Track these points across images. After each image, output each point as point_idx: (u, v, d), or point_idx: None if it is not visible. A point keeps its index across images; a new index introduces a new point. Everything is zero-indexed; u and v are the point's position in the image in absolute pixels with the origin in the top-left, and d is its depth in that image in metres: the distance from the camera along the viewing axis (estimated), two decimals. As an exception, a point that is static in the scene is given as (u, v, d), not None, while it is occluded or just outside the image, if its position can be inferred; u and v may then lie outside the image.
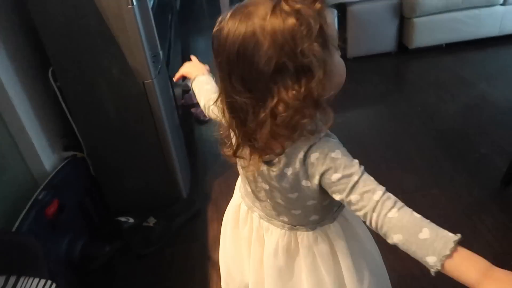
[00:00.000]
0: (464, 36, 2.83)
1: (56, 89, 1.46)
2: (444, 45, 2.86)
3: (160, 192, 1.70)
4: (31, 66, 1.45)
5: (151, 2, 1.75)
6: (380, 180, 1.99)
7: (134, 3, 1.31)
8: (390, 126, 2.19)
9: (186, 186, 1.77)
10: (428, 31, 2.76)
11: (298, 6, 0.56)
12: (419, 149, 1.94)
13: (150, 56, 1.45)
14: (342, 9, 2.71)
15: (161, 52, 1.62)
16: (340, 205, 0.80)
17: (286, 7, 0.56)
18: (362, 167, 0.65)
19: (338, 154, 0.65)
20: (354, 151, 2.19)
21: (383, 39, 2.82)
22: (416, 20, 2.72)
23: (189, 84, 2.91)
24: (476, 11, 2.74)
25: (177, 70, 2.64)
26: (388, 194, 0.62)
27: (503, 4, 2.75)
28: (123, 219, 1.61)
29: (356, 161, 0.65)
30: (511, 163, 1.61)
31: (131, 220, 1.61)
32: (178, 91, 2.29)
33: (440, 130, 2.07)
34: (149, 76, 1.45)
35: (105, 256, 1.49)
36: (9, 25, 1.36)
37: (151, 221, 1.61)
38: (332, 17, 0.61)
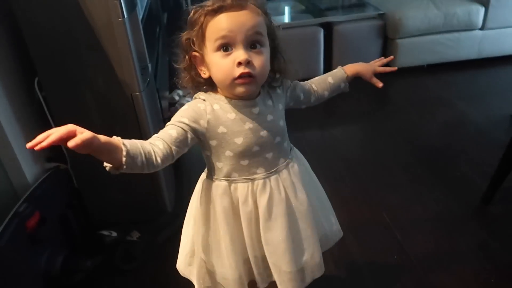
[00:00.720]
0: (444, 58, 2.93)
1: (41, 98, 1.43)
2: (425, 66, 2.95)
3: (144, 205, 1.68)
4: (17, 75, 1.43)
5: (141, 15, 1.75)
6: (365, 196, 2.04)
7: (125, 15, 1.31)
8: (374, 143, 2.23)
9: (171, 200, 1.75)
10: (411, 52, 2.85)
11: (198, 8, 0.82)
12: (402, 167, 1.98)
13: (139, 69, 1.45)
14: (328, 29, 2.78)
15: (149, 65, 1.62)
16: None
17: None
18: (176, 124, 0.83)
19: (183, 107, 0.87)
20: (339, 166, 2.25)
21: (368, 58, 2.80)
22: (399, 41, 2.80)
23: (175, 97, 2.90)
24: (456, 34, 2.85)
25: (165, 83, 2.60)
26: (154, 144, 0.80)
27: (481, 29, 2.87)
28: (105, 232, 1.58)
29: (181, 119, 0.83)
30: (491, 182, 1.66)
31: (114, 234, 1.58)
32: (164, 103, 2.28)
33: (422, 148, 2.12)
34: (138, 89, 1.44)
35: (86, 271, 1.45)
36: (-5, 33, 1.35)
37: (135, 235, 1.58)
38: (220, 26, 0.79)
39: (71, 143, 0.62)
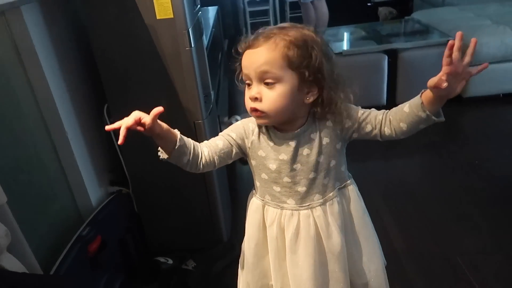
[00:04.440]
0: (523, 86, 2.69)
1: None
2: (501, 95, 2.72)
3: (201, 234, 1.66)
4: (88, 102, 1.49)
5: (205, 43, 1.78)
6: (435, 237, 1.86)
7: (193, 45, 1.33)
8: (445, 178, 2.05)
9: (227, 230, 1.71)
10: (484, 80, 2.64)
11: (240, 43, 0.86)
12: (479, 207, 1.79)
13: (203, 97, 1.45)
14: (393, 56, 2.67)
15: (212, 92, 1.63)
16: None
17: None
18: (225, 136, 0.92)
19: (237, 122, 0.94)
20: (405, 202, 2.09)
21: (435, 86, 2.72)
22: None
23: (233, 122, 2.90)
24: (537, 61, 2.61)
25: (225, 109, 2.60)
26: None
27: None
28: (162, 259, 1.57)
29: (230, 134, 0.91)
30: None
31: (170, 261, 1.56)
32: (224, 128, 2.29)
33: (502, 187, 1.92)
34: (200, 117, 1.44)
35: (141, 299, 1.44)
36: (72, 62, 1.42)
37: (190, 264, 1.55)
38: (243, 63, 0.84)
39: (140, 128, 0.76)
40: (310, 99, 0.85)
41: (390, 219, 1.77)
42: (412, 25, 3.30)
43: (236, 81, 0.91)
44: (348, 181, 0.97)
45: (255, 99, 0.83)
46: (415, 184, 2.02)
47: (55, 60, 1.29)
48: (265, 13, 5.13)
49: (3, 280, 0.77)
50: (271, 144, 0.90)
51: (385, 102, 2.71)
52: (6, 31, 1.13)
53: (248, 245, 1.01)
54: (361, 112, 0.90)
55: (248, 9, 5.00)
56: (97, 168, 1.51)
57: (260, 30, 0.84)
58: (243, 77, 0.86)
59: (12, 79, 1.19)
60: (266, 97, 0.82)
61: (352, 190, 0.97)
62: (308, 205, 0.92)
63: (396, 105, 0.89)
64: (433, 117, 0.82)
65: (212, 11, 2.83)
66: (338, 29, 3.45)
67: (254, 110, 0.84)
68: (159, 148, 0.85)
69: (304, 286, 0.93)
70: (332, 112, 0.87)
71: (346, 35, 3.35)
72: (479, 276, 1.43)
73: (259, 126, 0.91)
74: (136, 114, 0.75)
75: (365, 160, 2.21)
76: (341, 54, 2.69)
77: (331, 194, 0.92)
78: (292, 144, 0.88)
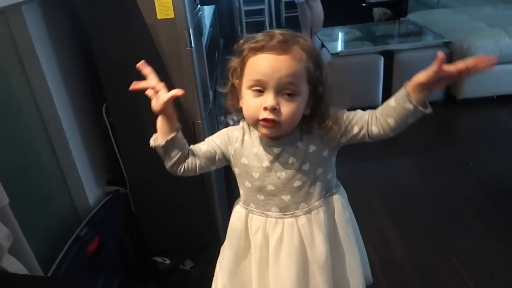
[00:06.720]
0: (517, 89, 2.72)
1: (107, 124, 1.47)
2: (495, 97, 2.75)
3: (199, 234, 1.65)
4: (87, 101, 1.48)
5: (204, 43, 1.78)
6: (431, 237, 1.88)
7: (193, 45, 1.32)
8: (440, 179, 2.07)
9: (225, 231, 1.70)
10: (479, 82, 2.66)
11: (246, 39, 0.81)
12: (475, 208, 1.81)
13: (202, 97, 1.45)
14: (389, 57, 2.69)
15: (211, 92, 1.62)
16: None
17: None
18: (209, 141, 0.92)
19: (223, 129, 0.93)
20: (401, 202, 2.12)
21: (431, 88, 2.75)
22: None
23: (230, 122, 2.87)
24: (530, 64, 2.64)
25: (221, 108, 2.60)
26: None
27: (559, 58, 2.64)
28: (159, 259, 1.57)
29: (215, 140, 0.91)
30: None
31: (168, 261, 1.56)
32: (220, 128, 2.28)
33: (495, 187, 1.94)
34: (199, 117, 1.44)
35: (139, 300, 1.43)
36: (71, 62, 1.40)
37: (188, 264, 1.55)
38: (257, 68, 0.78)
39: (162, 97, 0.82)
40: (308, 111, 0.84)
41: (387, 219, 1.78)
42: (406, 26, 3.33)
43: (230, 78, 0.86)
44: (334, 190, 0.94)
45: (275, 109, 0.77)
46: (410, 185, 2.04)
47: (55, 60, 1.28)
48: (260, 12, 5.13)
49: (5, 282, 0.76)
50: (255, 151, 0.87)
51: (380, 102, 2.69)
52: (6, 30, 1.11)
53: (228, 252, 0.99)
54: (346, 115, 0.86)
55: (243, 8, 4.99)
56: (95, 168, 1.50)
57: (269, 32, 0.79)
58: (251, 82, 0.79)
59: (11, 78, 1.18)
60: (285, 109, 0.78)
61: (337, 199, 0.93)
62: (293, 214, 0.89)
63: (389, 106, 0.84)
64: (420, 108, 0.77)
65: (209, 10, 2.82)
66: (333, 29, 3.47)
67: (268, 120, 0.78)
68: (154, 135, 0.86)
69: None
70: (324, 123, 0.84)
71: (341, 35, 3.36)
72: (475, 277, 1.45)
73: (245, 133, 0.89)
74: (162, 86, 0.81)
75: (362, 161, 2.22)
76: (337, 54, 2.70)
77: (316, 203, 0.90)
78: (277, 151, 0.86)
